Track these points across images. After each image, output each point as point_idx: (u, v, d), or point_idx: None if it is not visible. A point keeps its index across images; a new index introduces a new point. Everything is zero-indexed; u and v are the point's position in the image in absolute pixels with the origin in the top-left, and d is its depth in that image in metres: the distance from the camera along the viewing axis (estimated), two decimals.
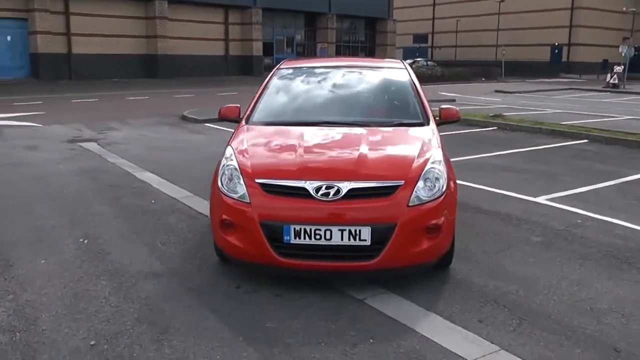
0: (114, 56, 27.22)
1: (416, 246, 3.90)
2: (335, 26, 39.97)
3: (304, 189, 3.88)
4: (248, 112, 5.04)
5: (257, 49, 34.41)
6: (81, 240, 5.12)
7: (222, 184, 4.16)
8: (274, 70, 5.61)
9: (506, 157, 9.49)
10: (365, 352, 3.25)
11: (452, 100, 20.88)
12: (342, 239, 3.81)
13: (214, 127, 12.90)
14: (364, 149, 4.24)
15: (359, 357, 3.21)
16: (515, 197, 6.83)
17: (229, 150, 4.40)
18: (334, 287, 4.09)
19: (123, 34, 27.94)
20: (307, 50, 39.74)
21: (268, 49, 36.60)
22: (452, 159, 8.17)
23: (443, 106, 5.25)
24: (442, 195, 4.02)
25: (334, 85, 5.42)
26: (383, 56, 43.24)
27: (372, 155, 4.20)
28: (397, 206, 3.85)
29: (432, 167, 4.10)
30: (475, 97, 23.53)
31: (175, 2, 29.47)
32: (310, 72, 5.61)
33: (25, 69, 25.08)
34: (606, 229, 5.59)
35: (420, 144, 4.38)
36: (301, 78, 5.52)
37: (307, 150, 4.26)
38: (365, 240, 3.81)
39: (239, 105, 5.21)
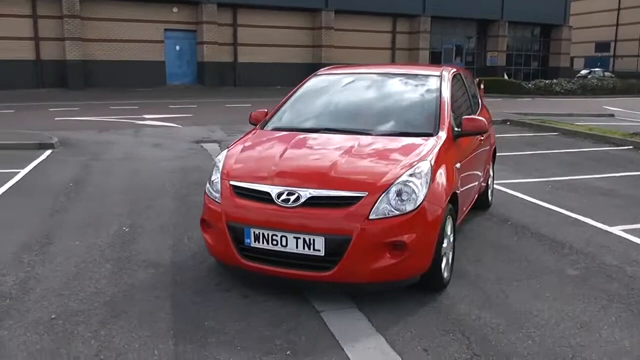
0: (279, 65, 28.93)
1: (377, 262, 3.70)
2: (506, 34, 38.13)
3: (267, 193, 3.90)
4: (267, 117, 5.16)
5: (424, 57, 34.09)
6: (124, 228, 5.64)
7: (208, 184, 4.34)
8: (309, 77, 5.65)
9: (613, 180, 8.35)
10: None
11: (610, 115, 18.77)
12: (296, 247, 3.77)
13: None
14: (343, 157, 4.14)
15: None
16: (587, 224, 6.05)
17: (224, 152, 4.57)
18: (303, 295, 4.03)
19: (288, 43, 29.55)
20: (477, 60, 38.44)
21: (436, 58, 36.11)
22: (554, 178, 7.47)
23: (466, 116, 4.84)
24: (413, 211, 3.76)
25: (355, 93, 5.33)
26: (557, 66, 40.28)
27: (347, 164, 4.07)
28: (354, 218, 3.69)
29: (408, 180, 3.85)
30: None
31: (342, 11, 30.37)
32: (339, 79, 5.55)
33: (192, 75, 27.81)
34: None
35: (409, 156, 4.12)
36: (327, 85, 5.49)
37: (288, 156, 4.26)
38: (319, 250, 3.72)
39: (266, 110, 5.34)
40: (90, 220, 5.89)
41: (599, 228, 5.90)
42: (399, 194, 3.79)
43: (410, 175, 3.89)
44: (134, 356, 3.27)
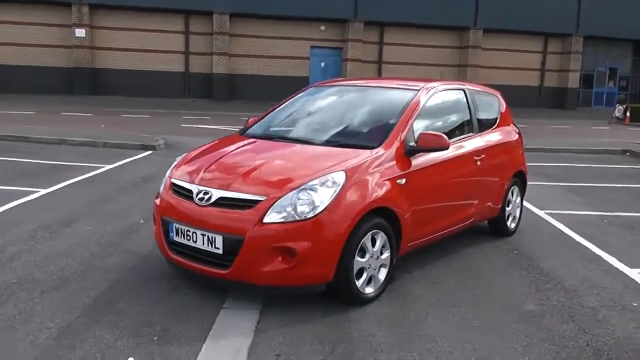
0: None
1: (268, 265, 3.81)
2: None
3: (191, 191, 4.20)
4: (248, 124, 5.43)
5: (574, 80, 31.61)
6: (141, 220, 6.24)
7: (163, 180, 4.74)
8: (304, 88, 5.81)
9: None
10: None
11: None
12: (203, 244, 4.01)
13: None
14: (267, 163, 4.30)
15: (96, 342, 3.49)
16: (605, 262, 5.43)
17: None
18: (225, 291, 4.23)
19: (434, 62, 29.15)
20: (632, 84, 34.59)
21: (588, 81, 33.28)
22: (618, 213, 7.28)
23: (424, 132, 4.62)
24: (309, 219, 3.80)
25: (328, 105, 5.41)
26: None
27: (265, 169, 4.22)
28: (249, 220, 3.84)
29: (308, 188, 3.89)
30: None
31: (491, 30, 29.39)
32: (326, 91, 5.64)
33: None
34: None
35: (329, 166, 4.13)
36: (312, 97, 5.62)
37: (223, 159, 4.52)
38: (218, 248, 3.92)
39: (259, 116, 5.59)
40: (119, 211, 6.61)
41: (615, 267, 5.26)
42: (297, 201, 3.84)
43: (318, 184, 3.92)
44: (38, 320, 3.75)
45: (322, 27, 27.79)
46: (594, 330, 3.91)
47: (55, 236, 5.57)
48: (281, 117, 5.42)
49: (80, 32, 25.19)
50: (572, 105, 31.37)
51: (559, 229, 6.55)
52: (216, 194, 4.05)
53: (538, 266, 5.23)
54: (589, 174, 10.78)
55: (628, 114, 24.34)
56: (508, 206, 6.09)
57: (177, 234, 4.18)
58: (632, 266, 5.29)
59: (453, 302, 4.31)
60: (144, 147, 11.46)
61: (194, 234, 4.04)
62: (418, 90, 5.07)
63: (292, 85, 26.95)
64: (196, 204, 4.10)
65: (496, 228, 6.11)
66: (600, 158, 13.00)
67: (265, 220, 3.81)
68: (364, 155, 4.31)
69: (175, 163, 4.75)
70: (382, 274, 4.30)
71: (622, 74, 34.53)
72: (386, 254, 4.29)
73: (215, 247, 3.94)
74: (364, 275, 4.12)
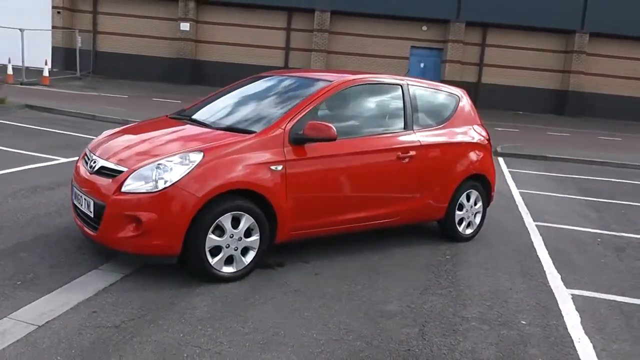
0: (524, 89, 27.14)
1: (121, 232, 4.05)
2: None
3: (89, 159, 4.56)
4: (183, 108, 5.76)
5: None
6: None
7: None
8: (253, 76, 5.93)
9: None
10: None
11: None
12: (84, 207, 4.35)
13: None
14: (152, 141, 4.56)
15: None
16: (542, 279, 4.99)
17: None
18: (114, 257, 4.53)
19: (536, 66, 27.51)
20: None
21: None
22: (621, 234, 6.87)
23: (312, 122, 4.57)
24: (157, 192, 3.99)
25: (249, 92, 5.52)
26: None
27: (147, 146, 4.47)
28: (111, 188, 4.11)
29: (163, 164, 4.09)
30: None
31: (599, 34, 26.91)
32: (260, 80, 5.67)
33: None
34: None
35: (197, 145, 4.31)
36: (245, 84, 5.73)
37: (126, 134, 4.86)
38: (91, 212, 4.24)
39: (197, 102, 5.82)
40: None
41: (547, 285, 4.86)
42: (150, 174, 4.05)
43: (173, 160, 4.10)
44: None
45: (424, 28, 27.25)
46: (431, 339, 3.67)
47: (31, 195, 6.19)
48: (205, 102, 5.62)
49: (184, 26, 26.87)
50: None
51: (530, 241, 6.08)
52: (100, 163, 4.39)
53: (455, 272, 4.95)
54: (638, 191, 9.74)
55: None
56: (460, 210, 5.79)
57: (75, 197, 4.57)
58: (569, 286, 4.84)
59: (313, 293, 4.24)
60: None
61: (82, 198, 4.39)
62: (330, 82, 5.04)
63: None
64: (87, 170, 4.45)
65: (446, 231, 5.84)
66: None
67: (123, 189, 4.06)
68: (237, 139, 4.41)
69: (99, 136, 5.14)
70: (249, 257, 4.37)
71: None
72: (254, 237, 4.35)
73: (89, 211, 4.27)
74: (221, 254, 4.22)
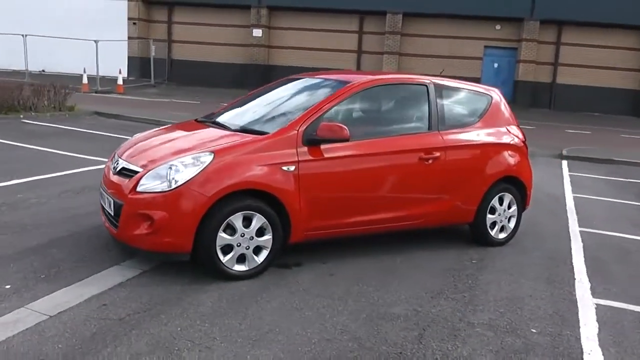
0: (601, 89, 25.71)
1: (136, 229, 4.24)
2: None
3: (114, 160, 4.81)
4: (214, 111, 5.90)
5: None
6: None
7: None
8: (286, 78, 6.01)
9: None
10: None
11: None
12: (107, 206, 4.59)
13: None
14: (170, 142, 4.78)
15: None
16: (569, 288, 4.77)
17: None
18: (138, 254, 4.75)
19: (613, 66, 25.91)
20: None
21: None
22: None
23: (326, 122, 4.58)
24: (168, 191, 4.15)
25: (275, 95, 5.58)
26: None
27: (163, 148, 4.66)
28: (128, 188, 4.31)
29: (174, 164, 4.25)
30: None
31: None
32: (288, 82, 5.73)
33: (506, 94, 26.86)
34: None
35: (210, 146, 4.44)
36: (273, 87, 5.81)
37: (154, 138, 5.03)
38: (112, 210, 4.47)
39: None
40: None
41: (573, 294, 4.62)
42: (163, 174, 4.22)
43: (185, 161, 4.25)
44: None
45: (498, 27, 26.47)
46: (428, 343, 3.59)
47: (75, 196, 6.56)
48: (236, 104, 5.75)
49: (257, 32, 27.59)
50: None
51: (568, 248, 5.81)
52: (121, 164, 4.62)
53: (477, 277, 4.82)
54: None
55: None
56: (492, 213, 5.61)
57: (101, 197, 4.83)
58: (596, 296, 4.59)
59: (321, 293, 4.26)
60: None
61: (106, 198, 4.64)
62: (349, 83, 5.04)
63: None
64: (111, 172, 4.70)
65: (476, 235, 5.68)
66: None
67: (138, 189, 4.26)
68: (249, 140, 4.52)
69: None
70: (262, 256, 4.44)
71: None
72: (267, 237, 4.42)
73: (111, 209, 4.50)
74: (232, 253, 4.32)
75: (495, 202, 5.62)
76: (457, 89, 5.73)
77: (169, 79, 28.34)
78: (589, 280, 4.92)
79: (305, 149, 4.57)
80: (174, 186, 4.17)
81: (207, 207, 4.18)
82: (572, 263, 5.36)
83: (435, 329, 3.78)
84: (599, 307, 4.36)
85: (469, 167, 5.44)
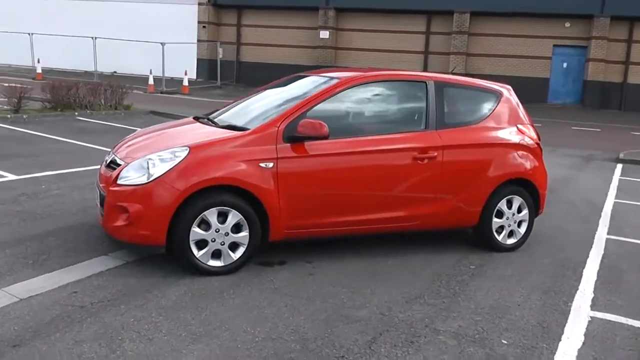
0: None
1: (116, 221, 4.34)
2: None
3: (109, 154, 4.97)
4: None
5: None
6: None
7: None
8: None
9: None
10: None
11: None
12: (97, 198, 4.74)
13: None
14: (158, 137, 4.88)
15: None
16: (567, 298, 4.43)
17: None
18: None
19: None
20: None
21: None
22: None
23: (306, 119, 4.48)
24: (142, 185, 4.24)
25: (274, 92, 5.53)
26: None
27: (149, 143, 4.78)
28: (110, 180, 4.44)
29: (151, 158, 4.33)
30: None
31: None
32: (291, 80, 5.63)
33: (575, 95, 25.46)
34: None
35: (190, 142, 4.47)
36: (277, 84, 5.75)
37: (147, 133, 5.16)
38: (99, 202, 4.60)
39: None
40: None
41: (569, 305, 4.29)
42: (138, 168, 4.32)
43: (161, 156, 4.33)
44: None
45: (567, 24, 25.18)
46: (378, 348, 3.42)
47: (93, 190, 6.61)
48: (238, 101, 5.74)
49: (324, 34, 27.66)
50: None
51: (585, 256, 5.40)
52: (110, 158, 4.77)
53: (467, 283, 4.57)
54: None
55: None
56: (499, 217, 5.31)
57: (97, 190, 5.00)
58: (595, 308, 4.24)
59: (290, 293, 4.17)
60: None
61: (98, 191, 4.79)
62: (338, 79, 4.95)
63: (531, 88, 25.36)
64: (104, 165, 4.85)
65: (481, 239, 5.40)
66: None
67: (118, 181, 4.36)
68: (228, 136, 4.53)
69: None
70: (239, 252, 4.42)
71: None
72: (243, 233, 4.40)
73: (98, 201, 4.65)
74: (207, 248, 4.32)
75: (502, 205, 5.32)
76: (461, 86, 5.47)
77: (237, 80, 29.02)
78: (593, 291, 4.55)
79: (286, 146, 4.51)
80: (148, 180, 4.24)
81: (180, 201, 4.21)
82: (582, 272, 4.98)
83: (392, 335, 3.61)
84: (592, 320, 4.02)
85: (471, 168, 5.18)
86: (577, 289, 4.58)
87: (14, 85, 12.48)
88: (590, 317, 4.07)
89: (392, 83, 5.27)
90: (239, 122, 4.94)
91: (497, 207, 5.29)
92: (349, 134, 4.80)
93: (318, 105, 4.73)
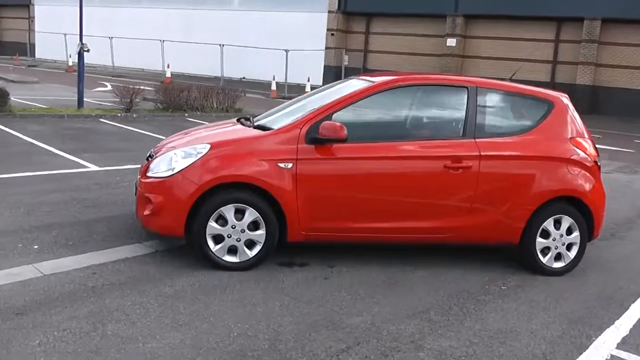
0: None
1: (145, 211, 4.63)
2: None
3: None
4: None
5: None
6: None
7: None
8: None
9: None
10: None
11: None
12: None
13: None
14: (197, 137, 5.05)
15: None
16: (585, 328, 3.91)
17: None
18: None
19: None
20: None
21: None
22: None
23: (327, 121, 4.42)
24: (165, 178, 4.50)
25: (317, 94, 5.57)
26: None
27: (187, 140, 4.97)
28: (144, 172, 4.76)
29: (175, 153, 4.59)
30: None
31: None
32: (340, 82, 5.60)
33: None
34: None
35: (211, 139, 4.72)
36: (327, 88, 5.75)
37: (194, 131, 5.45)
38: (134, 192, 4.96)
39: None
40: None
41: (589, 339, 3.82)
42: (164, 162, 4.59)
43: (185, 150, 4.59)
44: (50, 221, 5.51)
45: None
46: (346, 358, 3.32)
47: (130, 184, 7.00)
48: (288, 103, 5.83)
49: (451, 42, 27.09)
50: None
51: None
52: (150, 153, 5.09)
53: (486, 303, 4.27)
54: None
55: None
56: (545, 238, 4.89)
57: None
58: (622, 347, 3.76)
59: (291, 295, 4.17)
60: None
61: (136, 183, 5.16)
62: (373, 82, 4.87)
63: None
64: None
65: (523, 260, 5.01)
66: None
67: (147, 174, 4.67)
68: (251, 135, 4.69)
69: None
70: (255, 250, 4.51)
71: None
72: (260, 232, 4.49)
73: (134, 191, 5.00)
74: (223, 243, 4.46)
75: (549, 224, 4.89)
76: (510, 93, 5.11)
77: None
78: (630, 330, 4.03)
79: (307, 147, 4.53)
80: (171, 173, 4.49)
81: (197, 196, 4.40)
82: (628, 307, 4.42)
83: (369, 346, 3.48)
84: (611, 359, 3.57)
85: (511, 181, 4.83)
86: (612, 324, 4.09)
87: (127, 86, 13.64)
88: (610, 355, 3.62)
89: (430, 87, 5.08)
90: (276, 124, 5.05)
91: (542, 226, 4.88)
92: (374, 139, 4.72)
93: (345, 109, 4.71)
